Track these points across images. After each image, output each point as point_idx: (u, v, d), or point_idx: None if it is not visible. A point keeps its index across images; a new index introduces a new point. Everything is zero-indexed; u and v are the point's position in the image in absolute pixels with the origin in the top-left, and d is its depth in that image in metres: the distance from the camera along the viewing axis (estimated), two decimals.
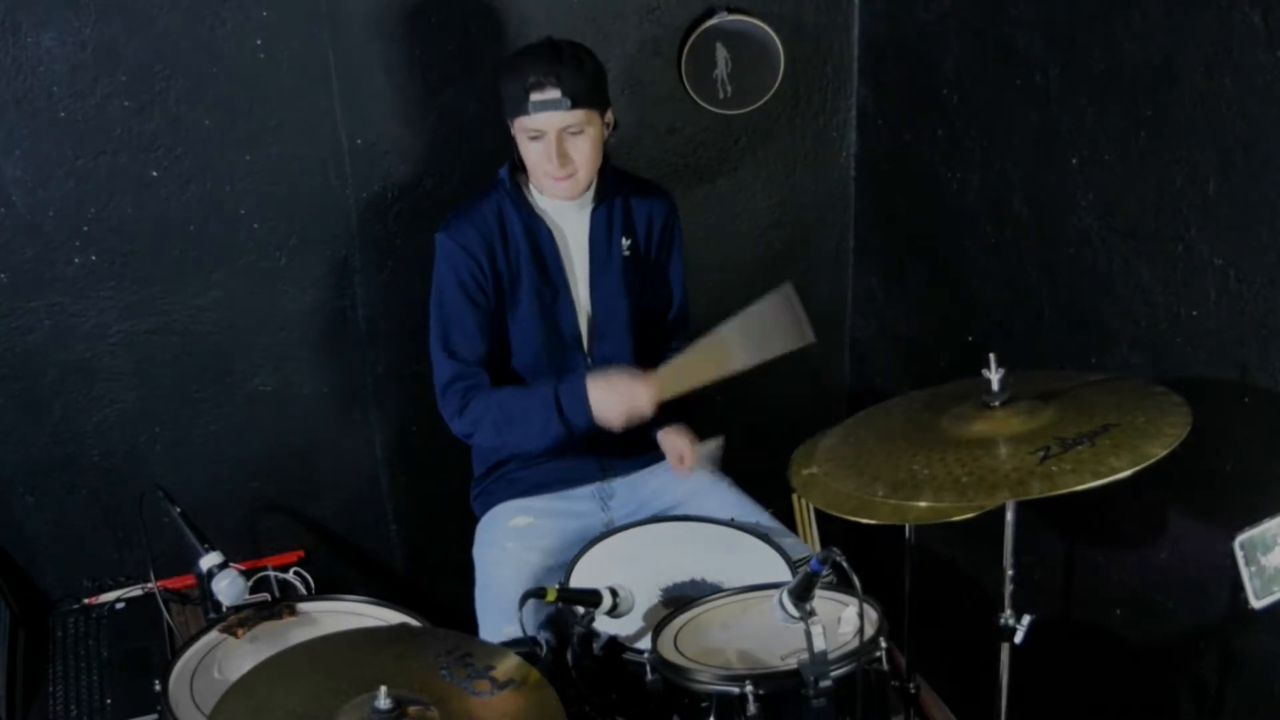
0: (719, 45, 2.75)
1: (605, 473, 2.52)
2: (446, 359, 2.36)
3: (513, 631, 2.17)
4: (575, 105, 2.20)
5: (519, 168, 2.38)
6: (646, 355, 2.51)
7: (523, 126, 2.23)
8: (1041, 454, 1.68)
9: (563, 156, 2.23)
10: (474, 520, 2.55)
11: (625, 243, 2.43)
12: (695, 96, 2.78)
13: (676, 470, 2.49)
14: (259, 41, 2.49)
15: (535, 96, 2.19)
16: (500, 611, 2.30)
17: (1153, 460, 1.63)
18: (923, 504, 1.74)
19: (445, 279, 2.35)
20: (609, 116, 2.31)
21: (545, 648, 2.06)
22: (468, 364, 2.35)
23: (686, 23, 2.74)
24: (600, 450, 2.47)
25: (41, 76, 2.39)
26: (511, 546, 2.41)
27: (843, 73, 2.91)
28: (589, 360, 2.44)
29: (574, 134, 2.23)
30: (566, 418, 2.29)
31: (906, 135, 2.76)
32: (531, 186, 2.38)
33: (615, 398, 2.27)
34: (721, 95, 2.79)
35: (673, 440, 2.49)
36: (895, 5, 2.73)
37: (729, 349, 2.22)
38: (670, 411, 2.41)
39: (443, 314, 2.36)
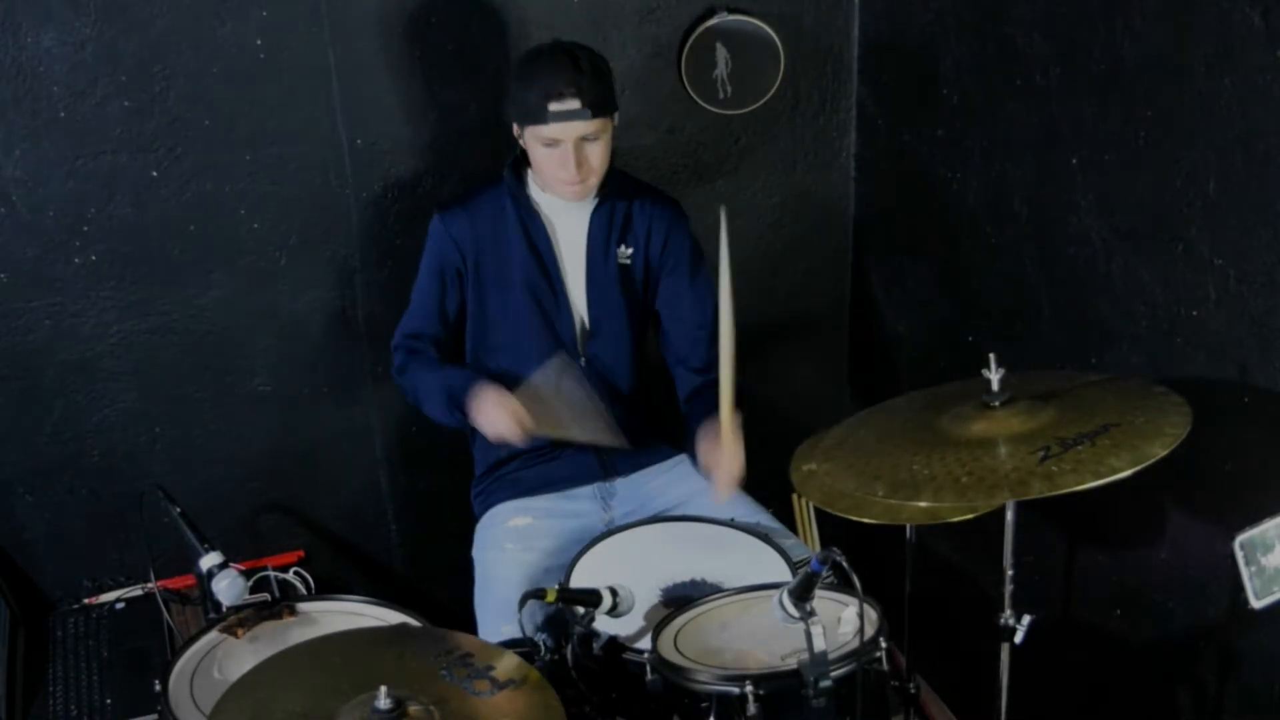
0: (719, 45, 2.75)
1: (606, 472, 2.51)
2: (406, 318, 2.46)
3: (511, 632, 2.17)
4: (595, 114, 2.22)
5: (521, 163, 2.39)
6: (642, 355, 2.51)
7: (538, 134, 2.23)
8: (1041, 454, 1.68)
9: (580, 164, 2.25)
10: (474, 520, 2.55)
11: (626, 251, 2.43)
12: (695, 96, 2.78)
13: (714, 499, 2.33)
14: (259, 41, 2.49)
15: (555, 106, 2.19)
16: (499, 612, 2.30)
17: (1153, 460, 1.63)
18: (923, 504, 1.74)
19: (428, 258, 2.44)
20: (616, 118, 2.32)
21: (544, 649, 2.06)
22: (420, 334, 2.44)
23: (686, 23, 2.74)
24: (599, 452, 2.48)
25: (41, 76, 2.39)
26: (511, 547, 2.41)
27: (843, 73, 2.91)
28: (581, 359, 2.45)
29: (590, 141, 2.25)
30: (457, 412, 2.35)
31: (906, 135, 2.76)
32: (533, 184, 2.39)
33: (484, 412, 2.29)
34: (721, 95, 2.79)
35: (711, 462, 2.31)
36: (895, 5, 2.73)
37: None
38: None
39: (418, 286, 2.46)
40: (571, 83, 2.19)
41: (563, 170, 2.26)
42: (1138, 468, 1.62)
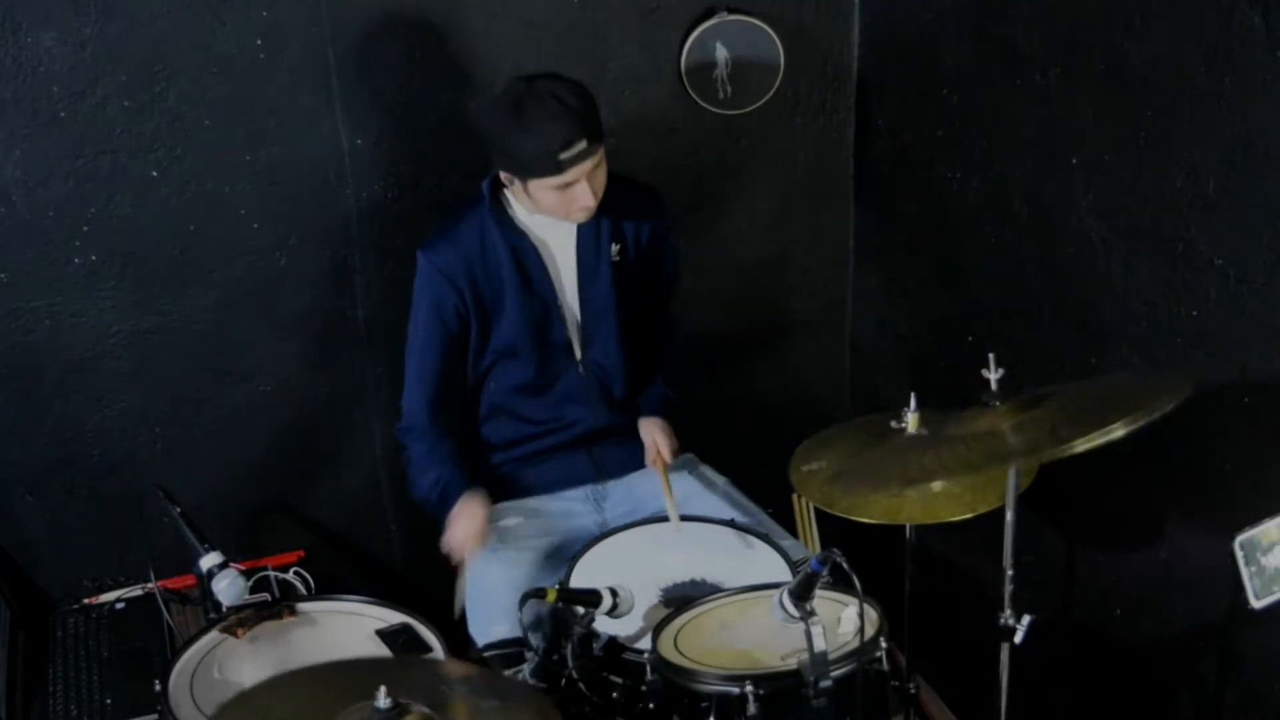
0: (719, 45, 2.75)
1: (599, 475, 2.52)
2: (415, 394, 2.43)
3: (503, 632, 2.17)
4: (598, 143, 2.20)
5: (499, 184, 2.37)
6: (636, 355, 2.51)
7: (549, 184, 2.19)
8: (1049, 427, 1.67)
9: (594, 193, 2.23)
10: None
11: (614, 248, 2.43)
12: (695, 96, 2.78)
13: (651, 466, 2.48)
14: (259, 41, 2.49)
15: (566, 155, 2.15)
16: (490, 613, 2.30)
17: (1157, 415, 1.59)
18: (936, 488, 1.72)
19: (420, 300, 2.38)
20: None
21: (535, 647, 2.06)
22: (430, 405, 2.42)
23: (686, 23, 2.74)
24: (592, 455, 2.49)
25: (41, 76, 2.39)
26: (502, 547, 2.41)
27: (843, 73, 2.91)
28: (580, 366, 2.45)
29: (597, 169, 2.23)
30: (433, 512, 2.39)
31: (906, 135, 2.76)
32: (515, 203, 2.36)
33: (451, 529, 2.34)
34: (721, 95, 2.79)
35: (649, 433, 2.50)
36: (895, 5, 2.73)
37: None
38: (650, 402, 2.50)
39: (417, 334, 2.40)
40: (576, 125, 2.15)
41: (578, 205, 2.24)
42: (1146, 420, 1.58)
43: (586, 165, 2.19)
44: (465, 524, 2.34)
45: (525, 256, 2.36)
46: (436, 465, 2.41)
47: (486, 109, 2.28)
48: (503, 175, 2.28)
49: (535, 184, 2.21)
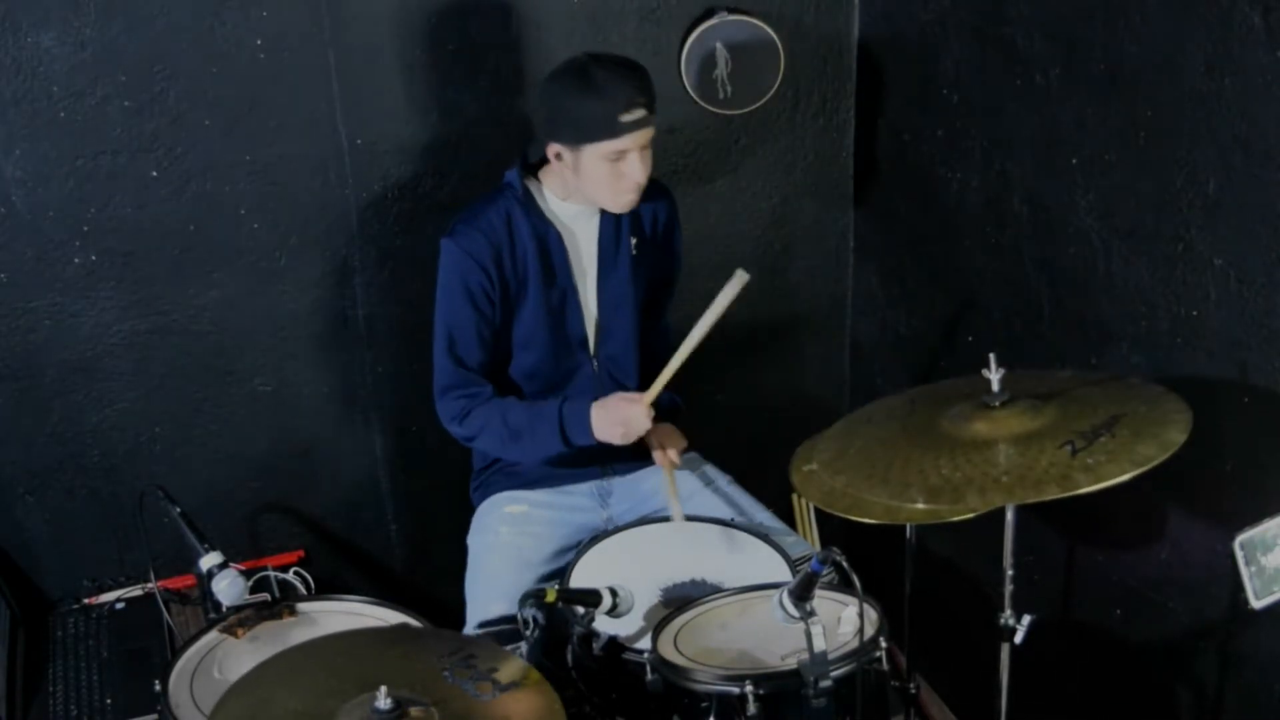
0: (719, 45, 2.75)
1: (605, 471, 2.52)
2: (451, 364, 2.36)
3: (500, 610, 2.17)
4: (654, 116, 2.22)
5: (529, 173, 2.37)
6: (647, 350, 2.52)
7: (604, 150, 2.19)
8: (1069, 448, 1.67)
9: (644, 170, 2.24)
10: (473, 516, 2.55)
11: (633, 241, 2.43)
12: (695, 96, 2.78)
13: (659, 462, 2.46)
14: (259, 41, 2.49)
15: (627, 117, 2.16)
16: (489, 591, 2.32)
17: (1177, 447, 1.63)
18: (971, 506, 1.71)
19: (453, 287, 2.34)
20: None
21: (533, 625, 2.05)
22: (471, 371, 2.37)
23: (686, 23, 2.74)
24: (600, 448, 2.48)
25: (41, 76, 2.39)
26: (505, 531, 2.43)
27: (843, 73, 2.91)
28: (594, 361, 2.45)
29: (648, 147, 2.24)
30: (568, 436, 2.32)
31: (906, 135, 2.77)
32: (548, 194, 2.36)
33: (614, 419, 2.30)
34: (721, 95, 2.79)
35: (657, 436, 2.46)
36: (895, 5, 2.73)
37: (696, 340, 2.26)
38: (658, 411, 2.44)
39: (448, 320, 2.36)
40: (641, 91, 2.18)
41: (628, 180, 2.23)
42: (1167, 454, 1.62)
43: (642, 135, 2.20)
44: (620, 417, 2.29)
45: (550, 245, 2.35)
46: (525, 408, 2.36)
47: (549, 80, 2.27)
48: (552, 152, 2.26)
49: (590, 152, 2.20)
